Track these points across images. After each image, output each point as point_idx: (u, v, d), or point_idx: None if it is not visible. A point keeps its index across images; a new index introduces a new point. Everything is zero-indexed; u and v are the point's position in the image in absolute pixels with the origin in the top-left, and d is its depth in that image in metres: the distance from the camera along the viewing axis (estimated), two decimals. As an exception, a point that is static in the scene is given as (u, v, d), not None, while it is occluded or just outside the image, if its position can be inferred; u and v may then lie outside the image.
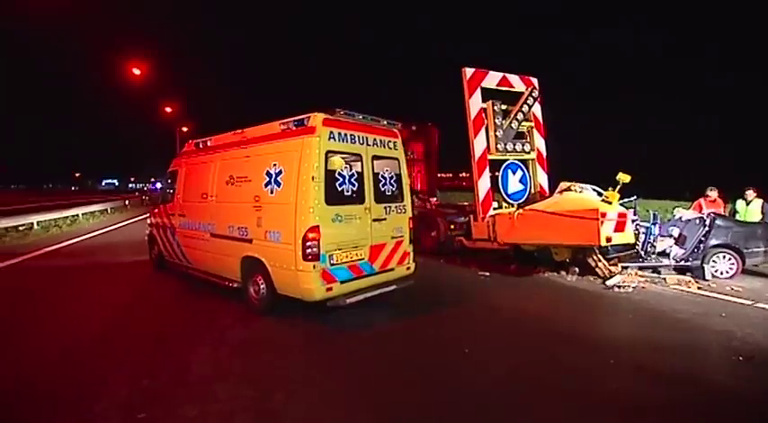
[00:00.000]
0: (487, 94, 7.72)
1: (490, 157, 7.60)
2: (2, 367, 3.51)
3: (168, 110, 27.83)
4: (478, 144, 7.52)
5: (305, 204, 4.40)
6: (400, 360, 3.67)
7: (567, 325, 4.55)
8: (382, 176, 5.30)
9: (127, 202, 25.17)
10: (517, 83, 7.97)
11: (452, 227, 8.38)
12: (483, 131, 7.56)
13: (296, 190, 4.48)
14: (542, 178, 8.17)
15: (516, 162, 7.87)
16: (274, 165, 4.84)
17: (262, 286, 4.96)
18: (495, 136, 7.54)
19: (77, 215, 16.31)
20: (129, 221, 16.19)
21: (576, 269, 6.78)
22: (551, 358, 3.70)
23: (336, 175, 4.68)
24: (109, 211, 20.22)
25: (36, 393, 3.06)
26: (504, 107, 7.73)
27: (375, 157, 5.18)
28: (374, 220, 5.04)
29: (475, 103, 7.56)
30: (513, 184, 7.82)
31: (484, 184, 7.52)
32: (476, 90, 7.59)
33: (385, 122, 5.47)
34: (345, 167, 4.77)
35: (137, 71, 21.87)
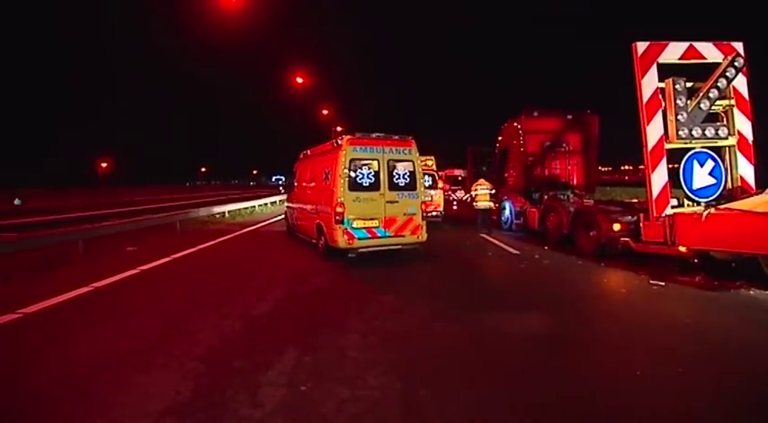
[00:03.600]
0: (665, 72, 6.48)
1: (668, 146, 6.37)
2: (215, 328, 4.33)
3: (325, 112, 31.01)
4: (653, 131, 6.36)
5: (336, 190, 7.20)
6: (563, 375, 3.30)
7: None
8: (396, 173, 7.60)
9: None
10: (710, 52, 6.46)
11: (616, 227, 7.29)
12: (659, 116, 6.37)
13: (334, 182, 7.32)
14: (746, 170, 6.49)
15: (706, 151, 6.42)
16: (327, 167, 7.82)
17: (322, 241, 7.85)
18: (677, 120, 6.26)
19: (254, 206, 20.45)
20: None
21: (801, 288, 5.18)
22: None
23: (357, 173, 7.30)
24: (277, 202, 23.65)
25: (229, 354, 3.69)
26: (689, 85, 6.38)
27: (391, 160, 7.56)
28: (387, 201, 7.43)
29: (649, 83, 6.41)
30: (701, 177, 6.41)
31: (659, 178, 6.34)
32: (650, 67, 6.43)
33: (397, 137, 7.77)
34: (365, 166, 7.37)
35: (299, 80, 24.93)
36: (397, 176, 7.56)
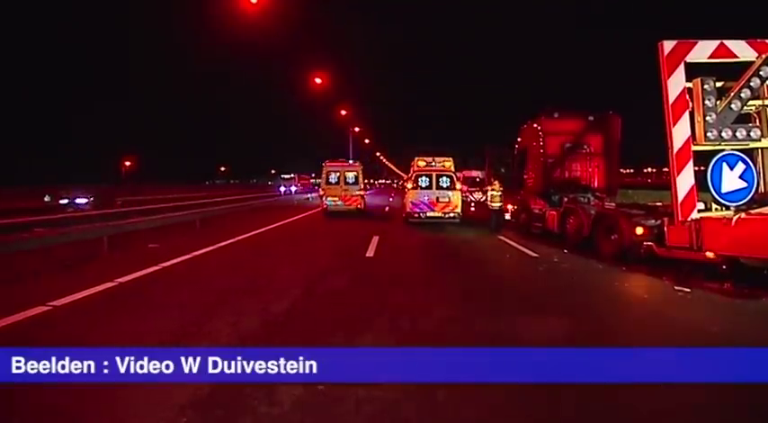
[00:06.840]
0: (693, 71, 6.28)
1: (695, 147, 6.16)
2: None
3: (343, 113, 31.21)
4: (679, 132, 6.18)
5: (322, 184, 16.90)
6: (588, 386, 3.23)
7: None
8: (348, 178, 16.35)
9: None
10: (743, 50, 6.22)
11: (639, 230, 7.11)
12: (686, 117, 6.18)
13: (323, 181, 16.82)
14: (779, 173, 6.25)
15: (736, 153, 6.19)
16: (321, 174, 17.12)
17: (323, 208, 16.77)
18: (705, 121, 6.04)
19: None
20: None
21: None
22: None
23: (330, 177, 16.41)
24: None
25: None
26: (718, 84, 6.15)
27: (346, 171, 16.45)
28: (344, 190, 16.15)
29: (675, 84, 6.22)
30: (730, 180, 6.18)
31: (685, 181, 6.14)
32: (677, 67, 6.24)
33: (351, 161, 18.19)
34: (334, 174, 16.43)
35: (318, 80, 25.15)
36: (348, 179, 16.31)
